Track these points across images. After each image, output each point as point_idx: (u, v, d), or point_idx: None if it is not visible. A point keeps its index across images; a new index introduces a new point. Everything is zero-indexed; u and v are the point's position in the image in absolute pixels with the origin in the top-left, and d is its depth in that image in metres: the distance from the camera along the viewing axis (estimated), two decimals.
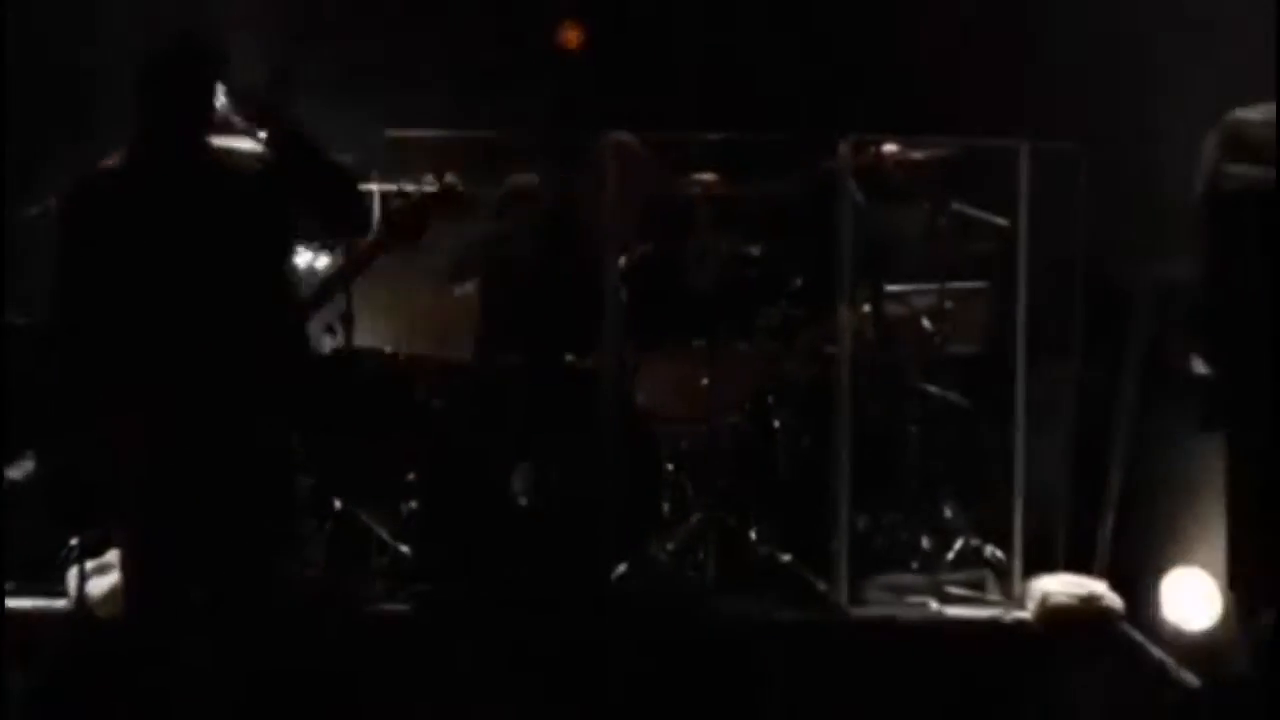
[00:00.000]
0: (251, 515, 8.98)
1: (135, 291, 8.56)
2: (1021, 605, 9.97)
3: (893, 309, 10.68)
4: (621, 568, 9.92)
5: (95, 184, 8.71)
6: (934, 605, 10.05)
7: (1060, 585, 10.03)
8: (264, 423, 8.94)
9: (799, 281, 10.55)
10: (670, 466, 10.57)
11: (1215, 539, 9.41)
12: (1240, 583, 9.16)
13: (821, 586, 9.86)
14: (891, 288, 10.72)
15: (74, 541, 10.45)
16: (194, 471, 8.61)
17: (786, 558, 9.99)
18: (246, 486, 8.83)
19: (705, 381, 10.33)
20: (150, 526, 8.81)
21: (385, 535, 10.34)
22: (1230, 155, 9.04)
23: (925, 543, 10.61)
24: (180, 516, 8.71)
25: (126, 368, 8.72)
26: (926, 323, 10.71)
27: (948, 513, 10.81)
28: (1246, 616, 9.66)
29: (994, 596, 10.20)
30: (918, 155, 10.49)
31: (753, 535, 10.21)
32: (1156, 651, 9.53)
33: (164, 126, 8.83)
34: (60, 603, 10.06)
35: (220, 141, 9.01)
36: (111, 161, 8.87)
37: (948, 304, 10.64)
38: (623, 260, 10.36)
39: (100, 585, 9.92)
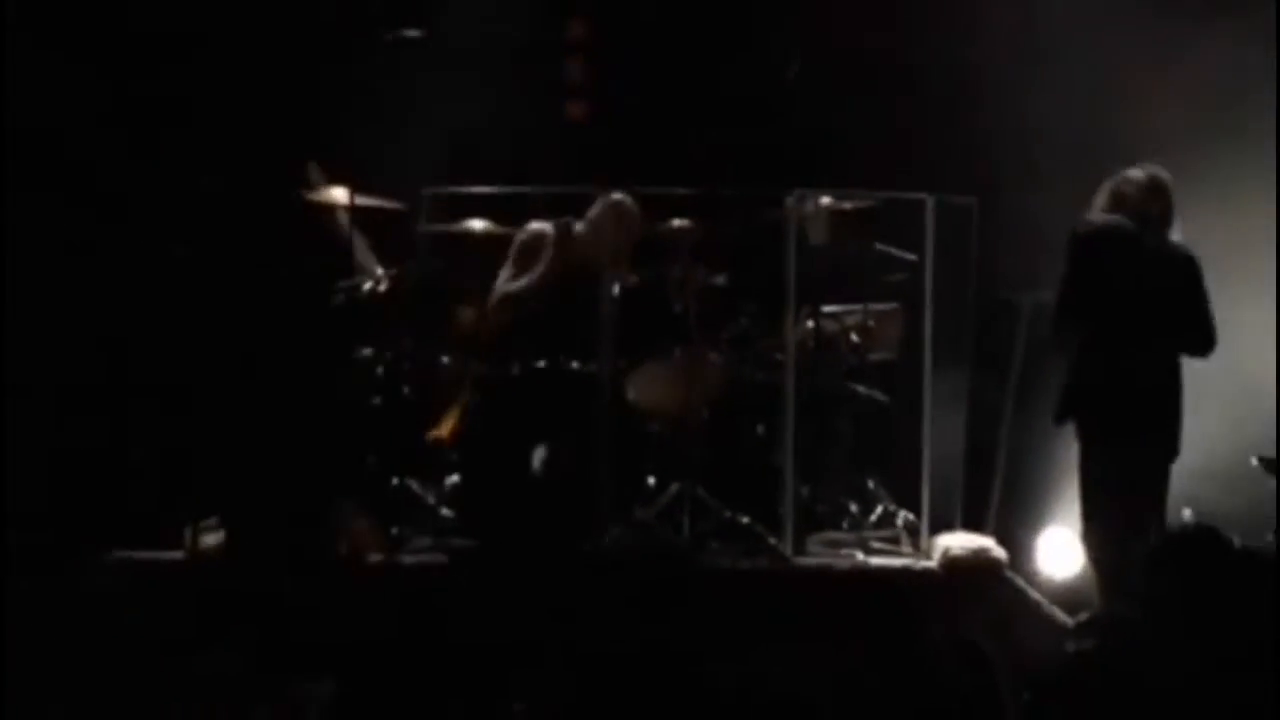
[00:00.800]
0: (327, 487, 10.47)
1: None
2: (928, 556, 10.87)
3: (828, 325, 11.32)
4: (616, 529, 10.61)
5: None
6: (860, 556, 10.89)
7: (958, 541, 10.92)
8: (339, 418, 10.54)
9: (754, 304, 11.25)
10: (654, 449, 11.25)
11: (1076, 504, 10.44)
12: (1088, 538, 10.45)
13: (773, 542, 10.68)
14: (827, 309, 11.32)
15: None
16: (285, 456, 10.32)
17: (745, 519, 10.74)
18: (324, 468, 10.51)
19: (682, 383, 10.94)
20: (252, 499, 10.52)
21: (432, 502, 11.07)
22: (1107, 205, 10.16)
23: (853, 508, 11.39)
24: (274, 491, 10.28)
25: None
26: (854, 336, 11.43)
27: (871, 485, 11.52)
28: (1093, 564, 10.49)
29: (907, 550, 11.07)
30: (847, 206, 11.22)
31: (719, 503, 10.87)
32: (1033, 593, 10.39)
33: None
34: (177, 554, 10.74)
35: None
36: None
37: (870, 322, 11.40)
38: (616, 288, 11.07)
39: (207, 540, 10.78)
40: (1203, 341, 10.15)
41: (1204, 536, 7.30)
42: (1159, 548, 7.19)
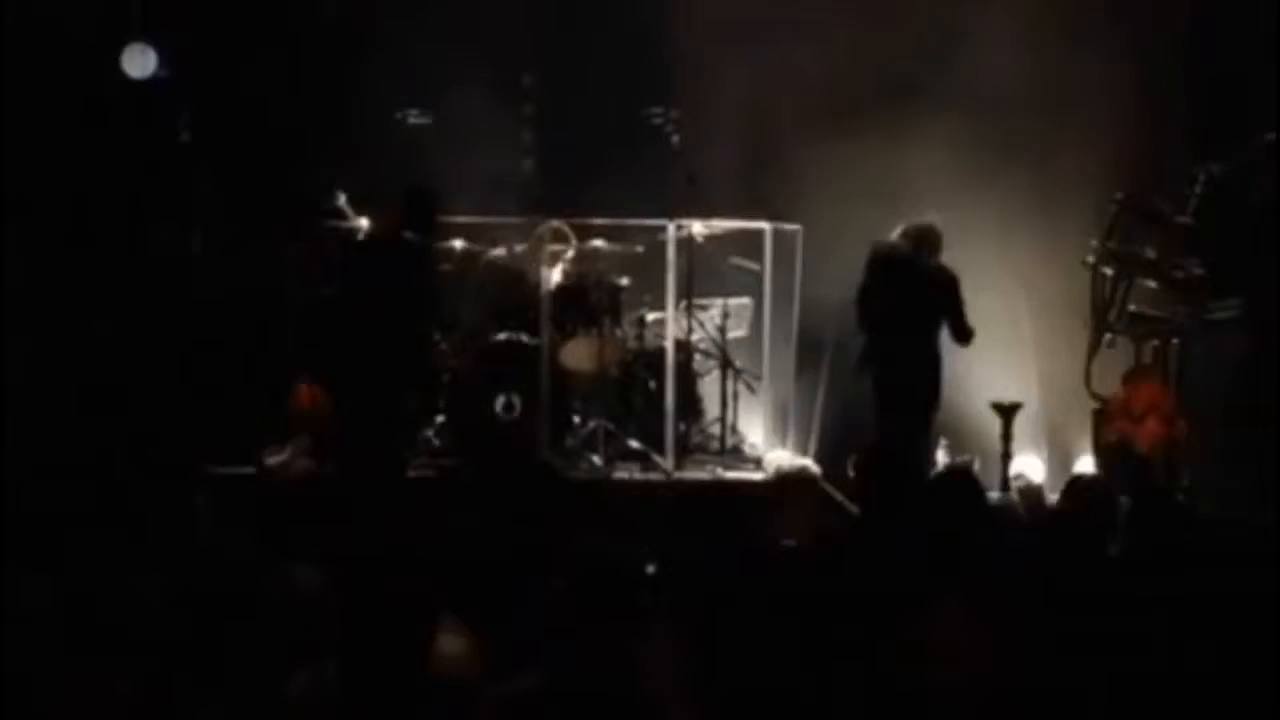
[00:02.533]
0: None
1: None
2: (765, 471, 11.46)
3: (699, 313, 11.78)
4: (549, 454, 10.99)
5: None
6: (720, 471, 11.44)
7: (787, 460, 11.55)
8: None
9: (648, 298, 11.69)
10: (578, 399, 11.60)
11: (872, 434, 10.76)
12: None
13: (660, 461, 11.28)
14: (699, 300, 11.75)
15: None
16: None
17: (641, 446, 11.33)
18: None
19: (598, 352, 11.45)
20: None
21: (429, 434, 11.46)
22: (897, 236, 10.77)
23: (716, 436, 11.92)
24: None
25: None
26: (718, 319, 11.81)
27: (729, 419, 11.90)
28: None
29: (750, 467, 11.60)
30: (716, 231, 11.55)
31: (623, 434, 11.41)
32: (840, 497, 10.55)
33: None
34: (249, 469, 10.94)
35: None
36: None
37: (730, 311, 11.81)
38: (554, 285, 11.49)
39: (272, 459, 10.98)
40: (960, 335, 10.66)
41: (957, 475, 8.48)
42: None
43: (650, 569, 6.00)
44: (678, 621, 5.54)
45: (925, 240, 10.68)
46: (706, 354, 11.92)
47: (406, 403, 11.07)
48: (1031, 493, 11.30)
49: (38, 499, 8.16)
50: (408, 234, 10.50)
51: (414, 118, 12.10)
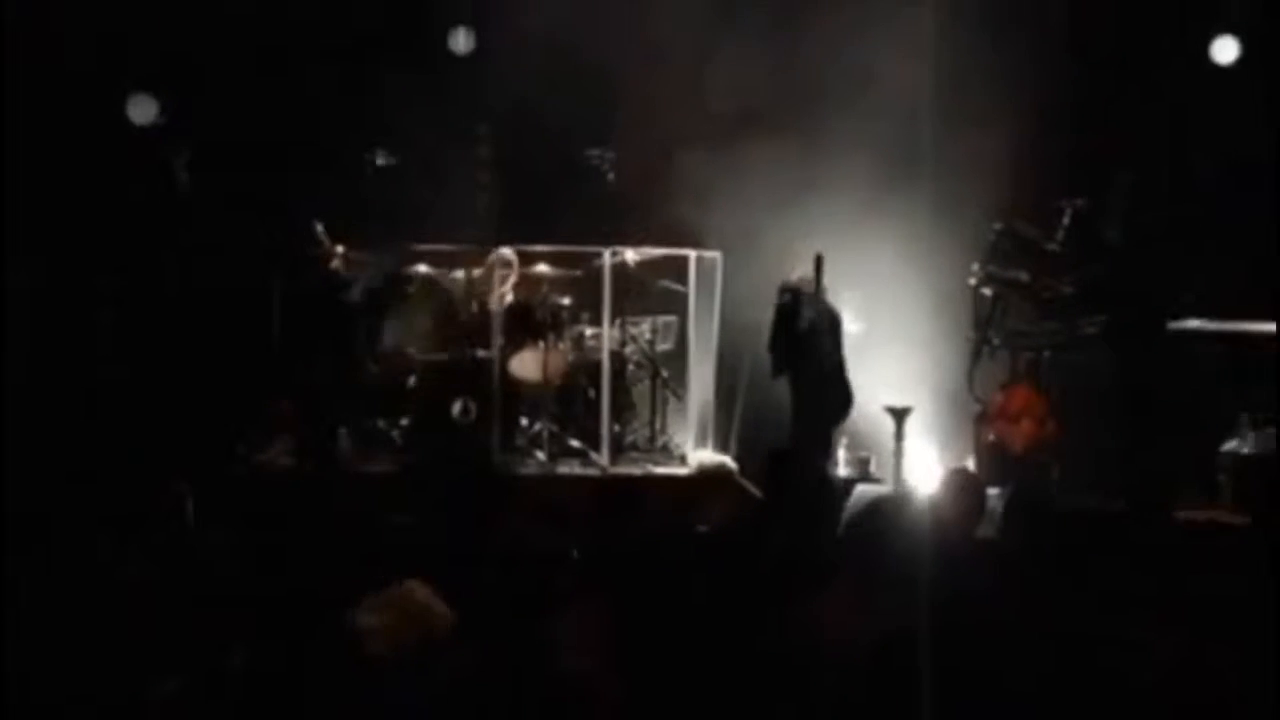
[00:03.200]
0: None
1: None
2: (688, 467, 11.51)
3: (631, 329, 11.84)
4: (499, 452, 11.09)
5: None
6: (650, 467, 11.50)
7: (708, 457, 11.64)
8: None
9: (586, 316, 11.73)
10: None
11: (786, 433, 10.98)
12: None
13: (597, 458, 11.31)
14: (631, 318, 11.83)
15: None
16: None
17: (580, 444, 11.40)
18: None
19: (542, 363, 11.41)
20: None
21: (393, 435, 11.53)
22: (799, 274, 10.96)
23: (646, 437, 12.03)
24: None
25: None
26: (648, 335, 11.93)
27: (658, 422, 12.06)
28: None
29: (676, 463, 11.65)
30: (646, 257, 11.62)
31: (565, 435, 11.43)
32: (753, 489, 10.26)
33: None
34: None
35: None
36: None
37: (658, 327, 11.97)
38: (504, 305, 11.45)
39: (260, 457, 11.16)
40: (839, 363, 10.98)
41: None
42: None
43: (574, 553, 6.04)
44: (600, 600, 5.49)
45: (820, 277, 10.88)
46: (638, 365, 12.00)
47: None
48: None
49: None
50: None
51: (382, 158, 12.08)
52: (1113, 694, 4.92)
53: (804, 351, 10.91)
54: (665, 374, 11.93)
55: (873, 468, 11.55)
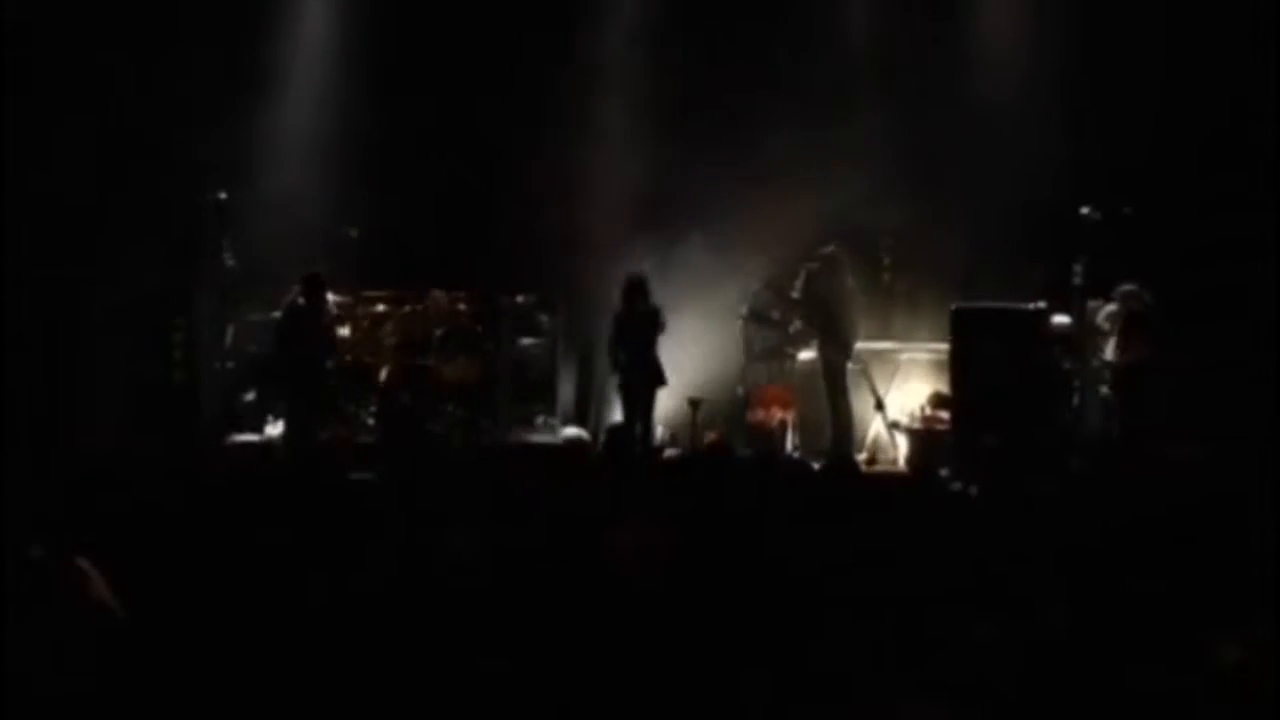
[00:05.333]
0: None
1: None
2: (559, 439, 11.65)
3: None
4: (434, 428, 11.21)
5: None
6: (534, 437, 11.75)
7: (571, 432, 11.85)
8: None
9: (489, 339, 11.79)
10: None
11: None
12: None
13: (499, 432, 11.67)
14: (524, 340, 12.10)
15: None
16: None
17: (485, 422, 11.60)
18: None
19: (465, 368, 11.51)
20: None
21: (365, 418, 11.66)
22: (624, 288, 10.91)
23: (537, 417, 12.16)
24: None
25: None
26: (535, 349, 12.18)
27: (538, 405, 12.10)
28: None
29: (556, 435, 11.79)
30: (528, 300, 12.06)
31: (476, 418, 11.53)
32: (600, 453, 9.96)
33: None
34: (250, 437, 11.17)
35: None
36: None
37: (535, 348, 12.13)
38: (439, 334, 11.62)
39: (272, 432, 11.30)
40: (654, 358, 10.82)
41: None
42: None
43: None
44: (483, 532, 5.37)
45: (643, 287, 10.80)
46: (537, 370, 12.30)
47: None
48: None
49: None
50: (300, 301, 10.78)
51: (352, 233, 11.98)
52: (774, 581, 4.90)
53: (628, 350, 10.92)
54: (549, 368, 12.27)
55: (676, 439, 11.79)
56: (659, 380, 10.94)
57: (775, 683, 4.02)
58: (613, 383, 11.42)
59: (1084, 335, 10.50)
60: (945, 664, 3.93)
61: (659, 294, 11.00)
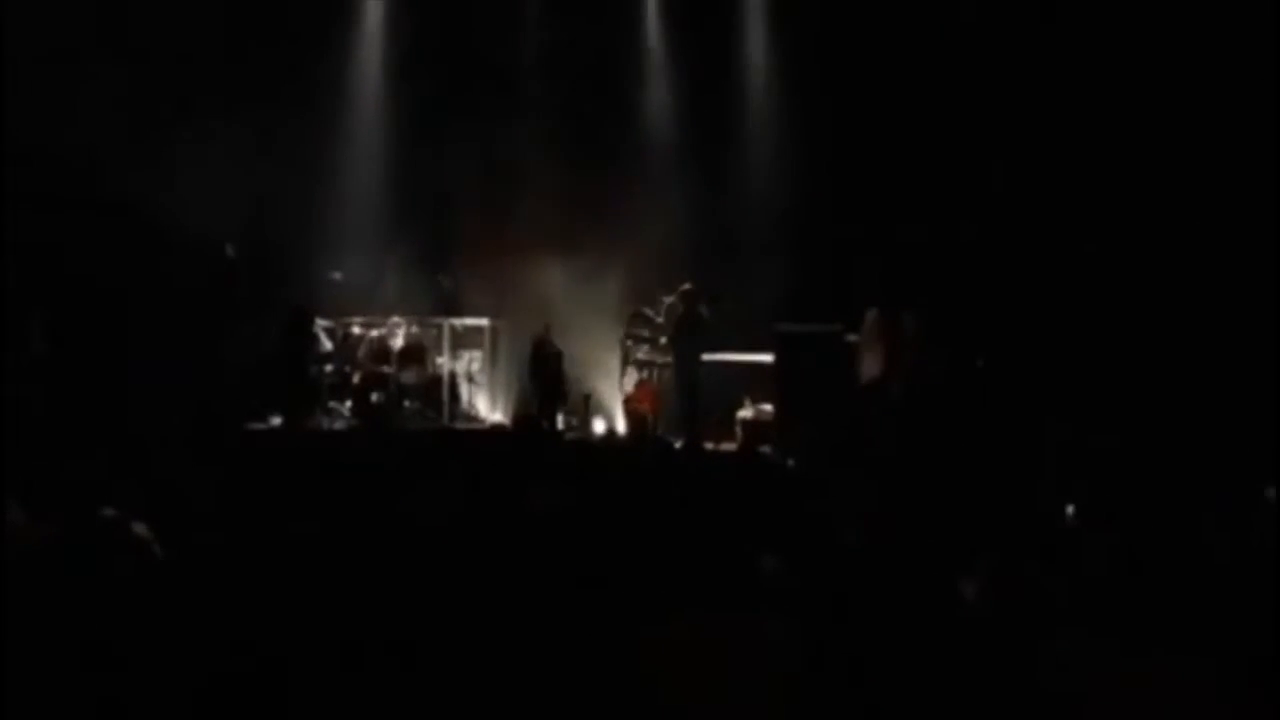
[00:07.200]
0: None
1: None
2: (485, 423, 11.47)
3: (464, 354, 11.64)
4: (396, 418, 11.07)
5: None
6: (467, 424, 11.35)
7: (496, 419, 11.65)
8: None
9: (436, 354, 11.56)
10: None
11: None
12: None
13: (444, 421, 11.30)
14: (464, 350, 11.73)
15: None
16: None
17: (434, 415, 11.35)
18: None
19: (419, 373, 11.25)
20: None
21: (343, 411, 11.26)
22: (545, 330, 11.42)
23: (470, 409, 11.86)
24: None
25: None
26: (472, 360, 11.78)
27: (476, 402, 11.80)
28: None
29: (481, 422, 11.54)
30: (468, 322, 11.79)
31: (426, 408, 11.38)
32: (515, 433, 9.37)
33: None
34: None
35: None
36: None
37: (475, 357, 11.77)
38: (398, 350, 11.34)
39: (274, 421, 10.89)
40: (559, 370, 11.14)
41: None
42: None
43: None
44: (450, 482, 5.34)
45: (547, 337, 11.20)
46: (469, 376, 12.08)
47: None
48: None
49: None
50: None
51: (336, 277, 11.84)
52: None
53: (541, 375, 11.28)
54: (479, 379, 12.06)
55: (573, 425, 11.76)
56: (562, 394, 11.48)
57: (622, 599, 3.83)
58: (530, 387, 11.64)
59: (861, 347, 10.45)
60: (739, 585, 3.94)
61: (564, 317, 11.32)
